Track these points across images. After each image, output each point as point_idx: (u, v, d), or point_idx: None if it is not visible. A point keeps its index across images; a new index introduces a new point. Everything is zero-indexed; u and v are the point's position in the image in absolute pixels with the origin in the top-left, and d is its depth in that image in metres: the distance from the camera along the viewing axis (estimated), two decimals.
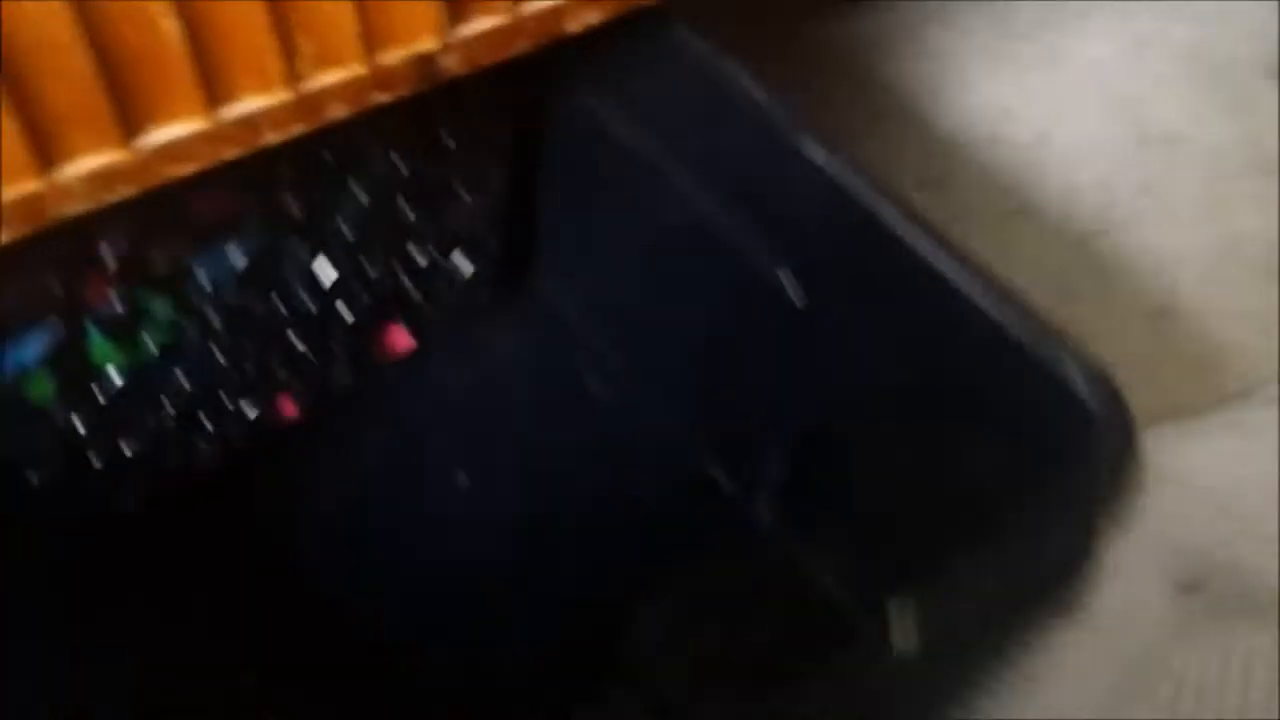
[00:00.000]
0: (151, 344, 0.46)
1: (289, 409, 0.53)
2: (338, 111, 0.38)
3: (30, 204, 0.35)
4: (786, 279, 0.42)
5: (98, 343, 0.45)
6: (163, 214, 0.42)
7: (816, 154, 0.41)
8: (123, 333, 0.45)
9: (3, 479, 0.46)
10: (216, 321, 0.46)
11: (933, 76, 0.75)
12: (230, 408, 0.50)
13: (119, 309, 0.44)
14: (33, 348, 0.44)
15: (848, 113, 0.72)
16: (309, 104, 0.38)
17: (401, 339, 0.55)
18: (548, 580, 0.52)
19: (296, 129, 0.38)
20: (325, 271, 0.48)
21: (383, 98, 0.39)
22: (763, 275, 0.42)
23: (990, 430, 0.38)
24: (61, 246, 0.41)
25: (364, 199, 0.46)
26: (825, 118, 0.43)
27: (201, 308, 0.46)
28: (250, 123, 0.37)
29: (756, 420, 0.48)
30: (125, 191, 0.36)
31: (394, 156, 0.46)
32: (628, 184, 0.47)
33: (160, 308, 0.45)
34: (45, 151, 0.34)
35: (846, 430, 0.44)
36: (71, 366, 0.44)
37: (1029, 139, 0.72)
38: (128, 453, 0.48)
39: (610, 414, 0.55)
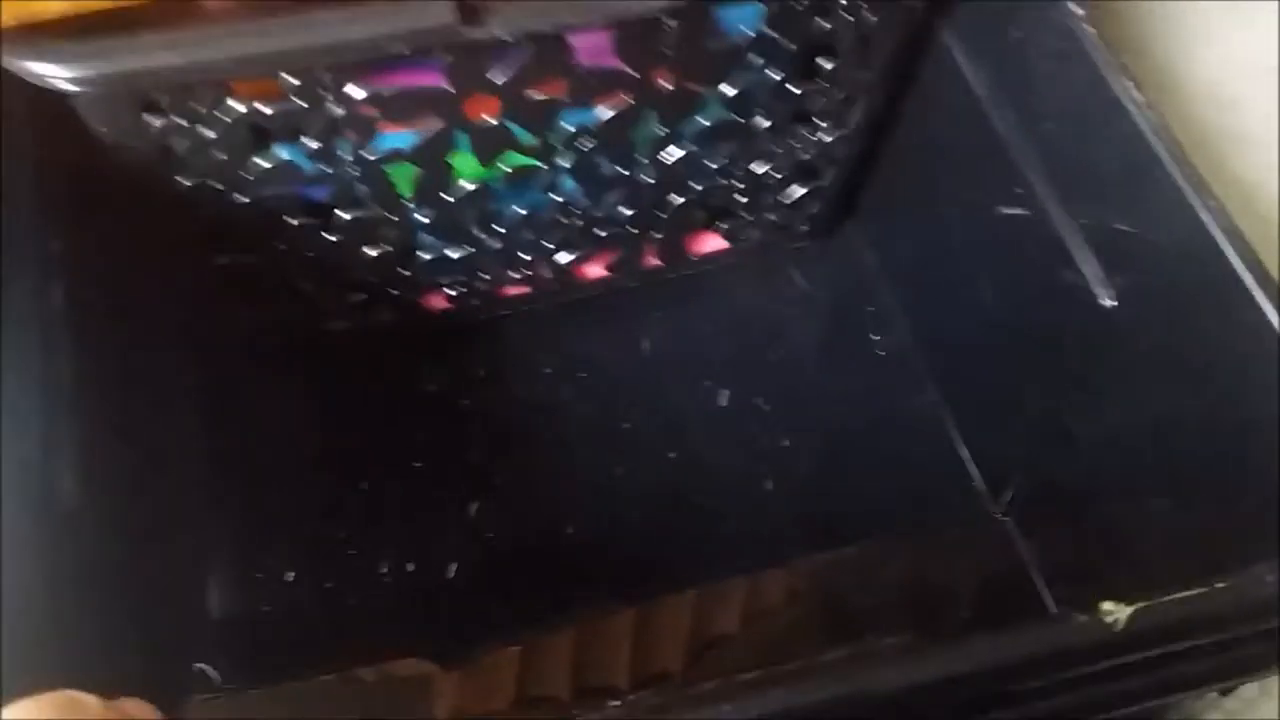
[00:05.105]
0: (504, 167, 0.51)
1: (595, 270, 0.57)
2: None
3: None
4: (1099, 278, 0.42)
5: (462, 151, 0.50)
6: (551, 60, 0.47)
7: (1179, 178, 0.40)
8: (484, 149, 0.50)
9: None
10: (564, 163, 0.50)
11: None
12: (549, 247, 0.54)
13: (490, 125, 0.49)
14: (410, 138, 0.49)
15: None
16: None
17: (712, 243, 0.58)
18: (772, 506, 0.54)
19: None
20: (672, 152, 0.51)
21: None
22: (1076, 273, 0.43)
23: None
24: (462, 60, 0.45)
25: (729, 95, 0.49)
26: None
27: (555, 149, 0.50)
28: None
29: (1024, 417, 0.49)
30: None
31: (770, 68, 0.49)
32: (970, 152, 0.48)
33: (523, 138, 0.50)
34: None
35: (1116, 449, 0.43)
36: (434, 163, 0.50)
37: None
38: (454, 255, 0.53)
39: (881, 371, 0.56)
